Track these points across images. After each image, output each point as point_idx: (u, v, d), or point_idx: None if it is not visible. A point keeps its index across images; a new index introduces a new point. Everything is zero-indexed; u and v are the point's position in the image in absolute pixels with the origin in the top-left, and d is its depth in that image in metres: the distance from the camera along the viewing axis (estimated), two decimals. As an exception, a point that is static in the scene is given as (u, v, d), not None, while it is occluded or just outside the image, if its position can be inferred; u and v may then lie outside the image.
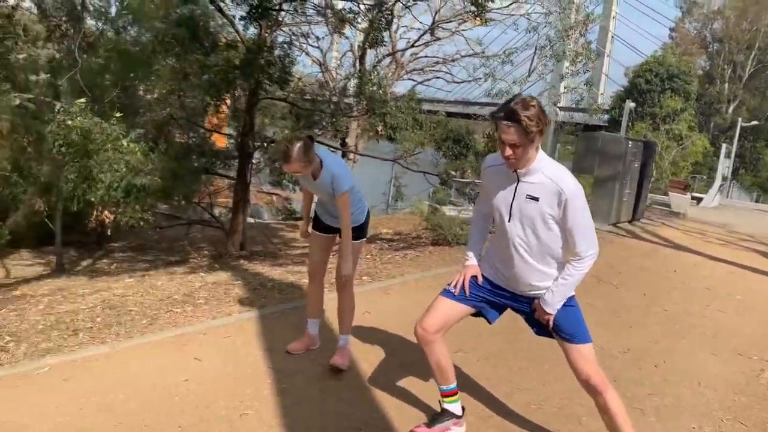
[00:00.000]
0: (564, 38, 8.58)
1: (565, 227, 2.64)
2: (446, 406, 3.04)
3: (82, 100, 8.44)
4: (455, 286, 2.94)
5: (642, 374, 4.18)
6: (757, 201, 39.10)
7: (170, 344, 3.94)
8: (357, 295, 5.29)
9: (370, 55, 18.71)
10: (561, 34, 8.54)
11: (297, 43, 12.54)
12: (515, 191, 2.66)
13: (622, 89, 30.18)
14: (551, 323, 2.79)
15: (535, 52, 8.93)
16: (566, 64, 9.30)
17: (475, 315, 3.01)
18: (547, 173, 2.60)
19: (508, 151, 2.51)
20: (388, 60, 18.74)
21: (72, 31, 10.13)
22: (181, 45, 9.22)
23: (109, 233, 9.51)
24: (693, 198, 18.83)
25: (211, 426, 3.00)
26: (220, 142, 13.30)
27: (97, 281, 7.89)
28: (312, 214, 4.04)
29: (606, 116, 32.14)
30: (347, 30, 16.63)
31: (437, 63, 20.42)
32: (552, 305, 2.76)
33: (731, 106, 40.48)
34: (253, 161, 10.57)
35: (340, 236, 3.77)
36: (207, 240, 14.66)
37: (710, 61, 43.84)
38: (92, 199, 7.95)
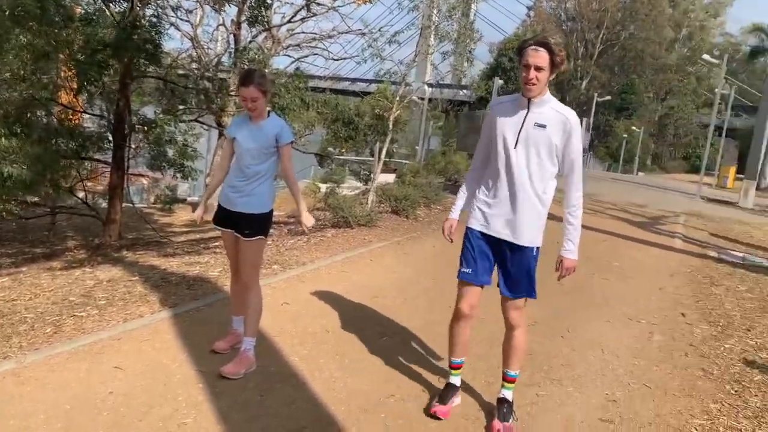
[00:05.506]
0: (448, 17, 8.79)
1: (566, 156, 2.95)
2: (453, 379, 3.32)
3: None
4: (448, 235, 3.24)
5: (552, 345, 4.48)
6: (608, 170, 42.87)
7: (84, 354, 3.64)
8: (270, 285, 5.24)
9: (244, 30, 18.14)
10: (445, 15, 8.74)
11: (165, 17, 11.75)
12: (524, 119, 2.92)
13: (487, 66, 31.40)
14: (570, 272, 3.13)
15: (420, 33, 9.06)
16: (447, 43, 9.56)
17: None
18: (554, 106, 2.93)
19: (533, 74, 2.78)
20: (263, 35, 18.19)
21: None
22: (35, 19, 8.31)
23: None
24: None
25: (150, 440, 2.83)
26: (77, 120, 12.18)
27: (-40, 282, 7.08)
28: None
29: (468, 92, 33.40)
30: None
31: (314, 39, 20.13)
32: (575, 252, 3.11)
33: (584, 81, 43.61)
34: (132, 145, 9.87)
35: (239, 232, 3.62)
36: (74, 229, 13.59)
37: (565, 39, 46.92)
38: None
